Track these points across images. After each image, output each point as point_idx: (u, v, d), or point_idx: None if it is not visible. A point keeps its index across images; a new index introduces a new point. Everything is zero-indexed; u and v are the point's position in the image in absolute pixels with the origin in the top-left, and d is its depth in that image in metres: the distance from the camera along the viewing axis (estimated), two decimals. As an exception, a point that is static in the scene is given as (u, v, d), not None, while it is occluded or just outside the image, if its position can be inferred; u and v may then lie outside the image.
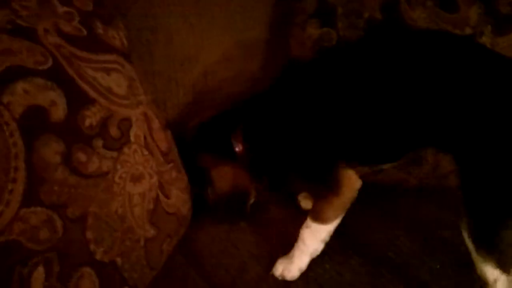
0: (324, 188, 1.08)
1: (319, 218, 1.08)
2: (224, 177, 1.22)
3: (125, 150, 0.87)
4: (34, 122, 0.70)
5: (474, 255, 0.92)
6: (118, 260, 0.84)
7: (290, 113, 1.10)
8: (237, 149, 1.17)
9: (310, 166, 1.10)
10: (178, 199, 1.06)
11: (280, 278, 1.07)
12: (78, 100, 0.79)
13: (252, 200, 1.27)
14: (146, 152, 0.94)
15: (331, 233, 1.09)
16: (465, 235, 0.93)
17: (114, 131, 0.85)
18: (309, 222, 1.09)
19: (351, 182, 1.08)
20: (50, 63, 0.76)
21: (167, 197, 1.01)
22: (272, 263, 1.13)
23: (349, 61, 1.10)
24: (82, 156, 0.77)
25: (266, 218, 1.29)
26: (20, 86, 0.69)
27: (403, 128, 1.01)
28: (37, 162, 0.69)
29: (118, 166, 0.85)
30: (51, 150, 0.72)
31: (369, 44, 1.14)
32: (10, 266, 0.66)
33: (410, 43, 1.04)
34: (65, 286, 0.73)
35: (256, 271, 1.13)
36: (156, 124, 1.01)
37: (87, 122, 0.79)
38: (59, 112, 0.74)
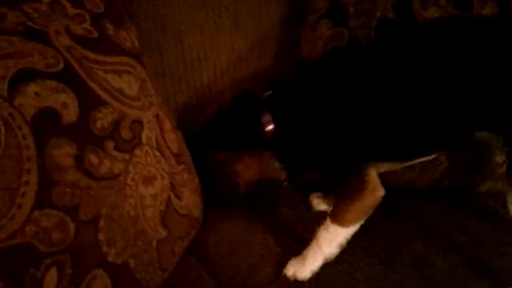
0: (350, 187, 1.07)
1: (340, 219, 1.05)
2: (249, 168, 1.20)
3: (137, 152, 0.87)
4: (46, 125, 0.70)
5: None
6: (131, 262, 0.84)
7: (325, 103, 1.09)
8: (267, 128, 1.13)
9: (341, 161, 1.09)
10: (190, 200, 1.06)
11: (291, 278, 1.07)
12: (89, 102, 0.79)
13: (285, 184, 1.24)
14: (157, 154, 0.94)
15: (348, 238, 1.07)
16: None
17: (125, 133, 0.85)
18: (328, 223, 1.07)
19: (377, 187, 1.06)
20: (61, 65, 0.76)
21: (179, 198, 1.01)
22: (282, 263, 1.13)
23: (379, 55, 1.11)
24: (94, 158, 0.77)
25: (277, 219, 1.28)
26: (31, 88, 0.70)
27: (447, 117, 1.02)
28: (49, 164, 0.69)
29: (130, 168, 0.85)
30: (63, 153, 0.72)
31: (394, 39, 1.15)
32: (23, 268, 0.66)
33: (434, 32, 1.07)
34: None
35: (266, 272, 1.13)
36: (167, 125, 1.01)
37: (99, 124, 0.79)
38: (70, 114, 0.74)
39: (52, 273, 0.69)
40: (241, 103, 1.19)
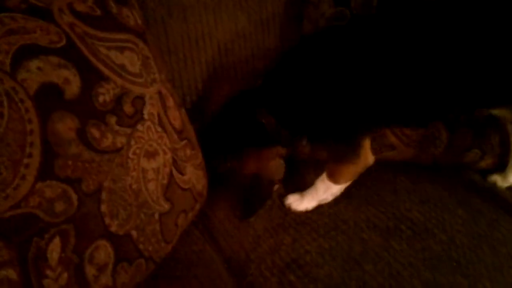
0: (345, 153, 1.18)
1: (333, 178, 1.20)
2: (247, 163, 1.26)
3: (139, 127, 0.89)
4: (48, 99, 0.72)
5: None
6: (133, 233, 0.87)
7: (318, 75, 1.14)
8: (264, 121, 1.21)
9: (338, 129, 1.16)
10: (193, 175, 1.08)
11: (287, 206, 1.24)
12: (91, 78, 0.80)
13: (276, 187, 1.30)
14: (160, 129, 0.96)
15: (342, 190, 1.21)
16: None
17: (128, 108, 0.86)
18: (324, 177, 1.21)
19: (368, 155, 1.18)
20: (64, 41, 0.77)
21: (182, 173, 1.02)
22: (284, 236, 1.16)
23: (377, 25, 1.13)
24: (96, 132, 0.79)
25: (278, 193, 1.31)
26: (34, 64, 0.71)
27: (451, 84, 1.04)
28: (52, 137, 0.71)
29: (132, 142, 0.86)
30: (66, 126, 0.74)
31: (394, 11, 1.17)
32: (27, 238, 0.68)
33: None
34: (81, 257, 0.76)
35: (269, 244, 1.16)
36: (170, 102, 1.03)
37: (101, 99, 0.81)
38: (73, 89, 0.76)
39: (56, 243, 0.72)
40: (236, 106, 1.28)
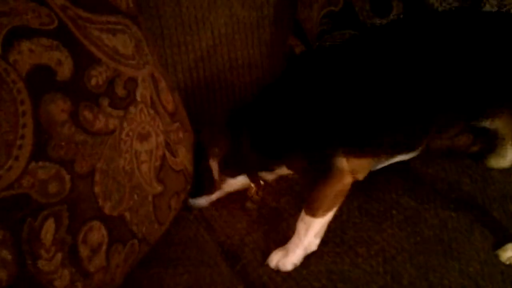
0: (319, 177, 1.07)
1: (311, 210, 1.06)
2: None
3: (131, 109, 0.89)
4: (40, 81, 0.72)
5: None
6: (127, 215, 0.88)
7: (295, 97, 1.10)
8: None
9: (310, 146, 1.08)
10: (185, 158, 1.09)
11: (275, 269, 1.07)
12: (84, 60, 0.80)
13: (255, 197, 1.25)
14: (152, 112, 0.96)
15: (324, 227, 1.08)
16: None
17: (120, 91, 0.87)
18: (303, 214, 1.08)
19: (343, 175, 1.04)
20: (55, 23, 0.77)
21: (174, 155, 1.03)
22: (279, 222, 1.17)
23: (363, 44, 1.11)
24: (88, 114, 0.79)
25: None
26: (25, 45, 0.71)
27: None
28: (45, 119, 0.71)
29: (125, 124, 0.87)
30: (58, 108, 0.74)
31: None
32: (21, 219, 0.69)
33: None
34: (74, 238, 0.76)
35: (264, 230, 1.17)
36: (162, 84, 1.03)
37: (93, 81, 0.81)
38: (65, 71, 0.76)
39: (50, 223, 0.72)
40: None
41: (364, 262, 1.04)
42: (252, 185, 1.22)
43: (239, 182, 1.23)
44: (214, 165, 1.18)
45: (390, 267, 1.03)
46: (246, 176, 1.21)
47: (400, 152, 1.12)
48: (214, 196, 1.24)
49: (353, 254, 1.07)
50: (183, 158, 1.07)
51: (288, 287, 1.02)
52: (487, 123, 1.11)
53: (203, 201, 1.24)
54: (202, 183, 1.20)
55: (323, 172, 1.06)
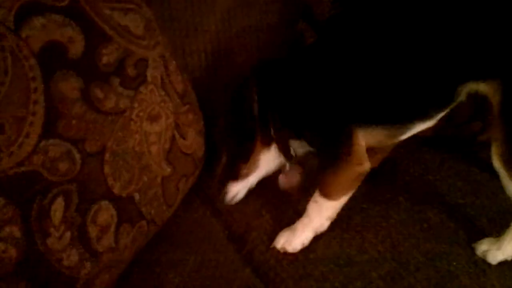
0: (336, 159, 1.03)
1: (326, 192, 1.04)
2: None
3: (142, 89, 0.89)
4: (52, 57, 0.71)
5: (505, 177, 0.93)
6: (136, 196, 0.87)
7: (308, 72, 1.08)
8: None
9: (324, 126, 1.06)
10: (195, 141, 1.09)
11: (281, 250, 1.05)
12: (95, 38, 0.79)
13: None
14: (162, 93, 0.95)
15: (337, 210, 1.06)
16: (496, 158, 0.93)
17: (131, 70, 0.86)
18: (316, 195, 1.06)
19: (362, 160, 1.02)
20: (67, 1, 0.76)
21: (184, 138, 1.03)
22: (286, 207, 1.16)
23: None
24: (99, 93, 0.78)
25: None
26: (38, 21, 0.70)
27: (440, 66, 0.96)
28: (56, 96, 0.71)
29: (135, 105, 0.86)
30: (69, 85, 0.73)
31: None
32: (31, 196, 0.68)
33: None
34: (83, 217, 0.76)
35: (270, 215, 1.16)
36: (173, 66, 1.02)
37: (104, 60, 0.80)
38: (77, 48, 0.75)
39: (59, 202, 0.72)
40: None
41: (371, 248, 1.04)
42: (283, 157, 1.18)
43: (270, 155, 1.18)
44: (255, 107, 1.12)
45: (397, 252, 1.02)
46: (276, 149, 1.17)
47: (415, 119, 1.05)
48: (252, 179, 1.19)
49: (360, 240, 1.06)
50: (193, 141, 1.07)
51: (295, 271, 1.01)
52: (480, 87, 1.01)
53: (240, 187, 1.18)
54: (233, 161, 1.15)
55: (341, 154, 1.03)
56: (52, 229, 0.71)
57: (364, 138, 1.02)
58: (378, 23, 1.03)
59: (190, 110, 1.08)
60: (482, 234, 1.05)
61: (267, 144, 1.16)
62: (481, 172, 1.23)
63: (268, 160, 1.18)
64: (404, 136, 1.08)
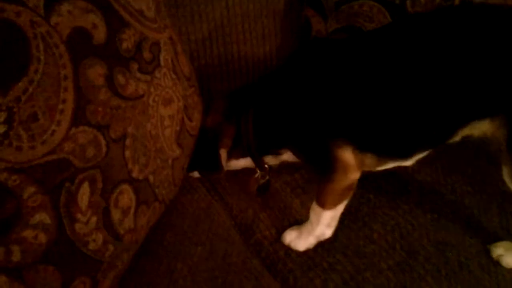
0: (325, 170, 1.05)
1: (320, 202, 1.07)
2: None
3: (157, 73, 0.89)
4: (79, 44, 0.71)
5: None
6: (151, 178, 0.89)
7: (297, 89, 1.08)
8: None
9: (308, 143, 1.07)
10: (198, 122, 1.10)
11: (287, 245, 1.09)
12: (115, 23, 0.79)
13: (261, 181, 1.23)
14: (174, 76, 0.96)
15: (335, 218, 1.08)
16: (509, 181, 0.96)
17: (147, 55, 0.86)
18: (314, 204, 1.09)
19: (348, 170, 1.02)
20: (86, -15, 0.76)
21: (190, 119, 1.04)
22: (293, 199, 1.18)
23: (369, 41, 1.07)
24: (121, 79, 0.79)
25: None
26: (65, 7, 0.70)
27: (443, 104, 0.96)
28: (84, 83, 0.71)
29: (152, 89, 0.87)
30: (96, 72, 0.73)
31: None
32: (59, 183, 0.69)
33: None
34: (107, 201, 0.77)
35: (278, 207, 1.17)
36: (179, 48, 1.03)
37: (124, 45, 0.80)
38: (100, 34, 0.75)
39: (85, 187, 0.73)
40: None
41: (379, 238, 1.05)
42: (257, 169, 1.21)
43: (241, 163, 1.22)
44: (223, 153, 1.16)
45: (406, 243, 1.03)
46: (249, 159, 1.20)
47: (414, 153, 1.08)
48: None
49: (368, 230, 1.08)
50: (197, 123, 1.09)
51: (303, 262, 1.04)
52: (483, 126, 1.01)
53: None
54: (206, 163, 1.17)
55: (326, 167, 1.04)
56: (79, 215, 0.72)
57: (351, 152, 1.02)
58: (373, 63, 1.01)
59: (195, 92, 1.09)
60: (493, 226, 1.06)
61: (235, 158, 1.21)
62: (490, 162, 1.22)
63: (235, 166, 1.24)
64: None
